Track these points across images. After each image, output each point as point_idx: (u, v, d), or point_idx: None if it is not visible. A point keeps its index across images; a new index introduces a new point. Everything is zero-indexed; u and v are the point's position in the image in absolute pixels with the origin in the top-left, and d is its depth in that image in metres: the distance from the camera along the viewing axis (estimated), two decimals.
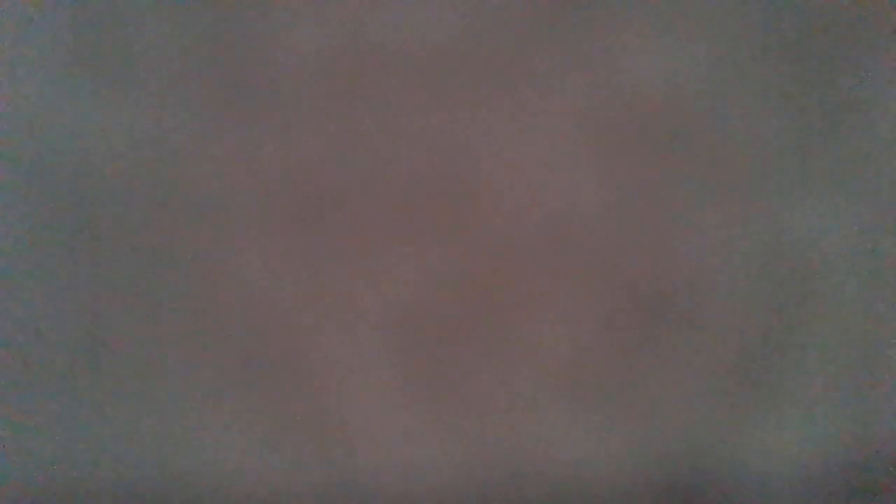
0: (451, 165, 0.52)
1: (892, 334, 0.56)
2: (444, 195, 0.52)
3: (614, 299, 0.53)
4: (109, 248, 0.50)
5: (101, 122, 0.50)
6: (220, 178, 0.51)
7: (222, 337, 0.51)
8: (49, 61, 0.50)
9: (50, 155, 0.50)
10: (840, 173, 0.55)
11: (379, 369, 0.52)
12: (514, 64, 0.52)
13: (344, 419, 0.52)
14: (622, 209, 0.53)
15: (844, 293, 0.55)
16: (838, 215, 0.55)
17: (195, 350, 0.51)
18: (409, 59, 0.52)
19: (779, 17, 0.54)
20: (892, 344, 0.56)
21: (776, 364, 0.55)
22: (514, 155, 0.52)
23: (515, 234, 0.52)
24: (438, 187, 0.52)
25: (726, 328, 0.54)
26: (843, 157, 0.55)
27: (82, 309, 0.50)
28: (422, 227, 0.52)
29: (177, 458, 0.51)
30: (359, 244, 0.52)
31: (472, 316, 0.52)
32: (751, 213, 0.54)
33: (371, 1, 0.52)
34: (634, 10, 0.53)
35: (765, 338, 0.54)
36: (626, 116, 0.53)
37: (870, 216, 0.55)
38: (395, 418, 0.52)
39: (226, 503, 0.51)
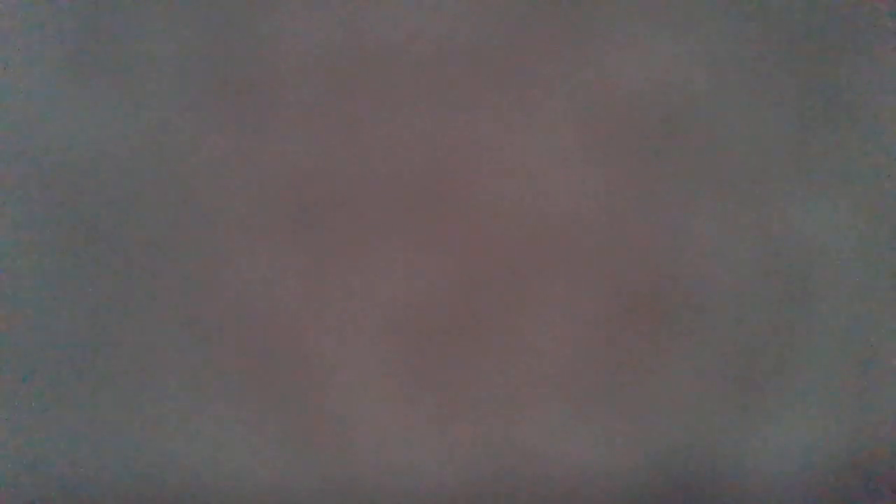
0: (451, 166, 0.52)
1: (891, 334, 0.56)
2: (444, 196, 0.52)
3: (614, 300, 0.53)
4: (109, 248, 0.50)
5: (101, 122, 0.50)
6: (219, 178, 0.51)
7: (222, 337, 0.51)
8: (49, 61, 0.50)
9: (50, 155, 0.50)
10: (840, 173, 0.55)
11: (379, 369, 0.52)
12: (513, 64, 0.52)
13: (344, 420, 0.52)
14: (622, 210, 0.53)
15: (844, 293, 0.55)
16: (838, 215, 0.55)
17: (195, 350, 0.51)
18: (409, 59, 0.52)
19: (779, 16, 0.54)
20: (891, 344, 0.56)
21: (776, 364, 0.55)
22: (513, 155, 0.52)
23: (515, 234, 0.52)
24: (438, 188, 0.52)
25: (726, 328, 0.54)
26: (843, 157, 0.55)
27: (81, 309, 0.50)
28: (421, 228, 0.52)
29: (177, 458, 0.51)
30: (358, 244, 0.52)
31: (471, 316, 0.52)
32: (750, 213, 0.54)
33: (370, 0, 0.52)
34: (634, 11, 0.53)
35: (764, 338, 0.54)
36: (625, 117, 0.53)
37: (870, 216, 0.56)
38: (394, 418, 0.52)
39: (226, 503, 0.51)
